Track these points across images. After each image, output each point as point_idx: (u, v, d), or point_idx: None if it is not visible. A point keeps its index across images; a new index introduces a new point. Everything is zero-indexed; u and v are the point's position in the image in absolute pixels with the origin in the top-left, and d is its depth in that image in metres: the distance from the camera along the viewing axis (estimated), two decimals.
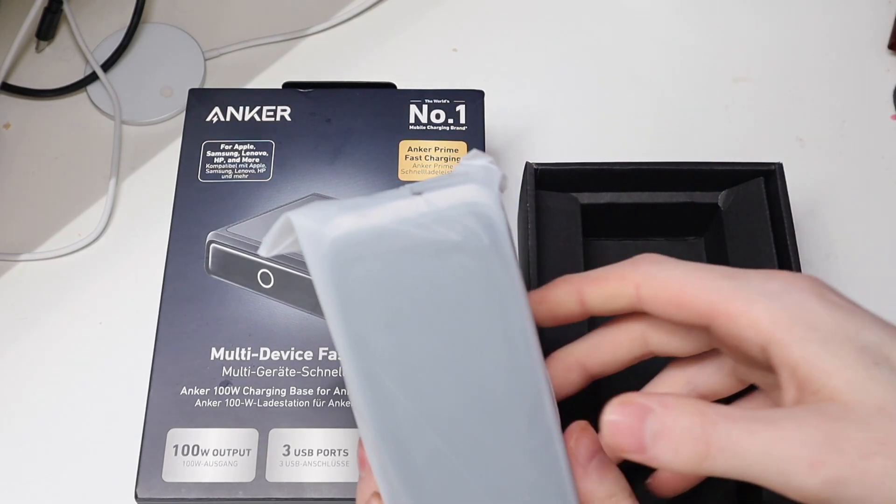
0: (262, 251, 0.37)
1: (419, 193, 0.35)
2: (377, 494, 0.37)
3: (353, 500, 0.49)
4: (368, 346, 0.35)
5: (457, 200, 0.35)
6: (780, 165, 0.56)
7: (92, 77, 0.68)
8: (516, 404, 0.36)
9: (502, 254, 0.35)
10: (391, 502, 0.36)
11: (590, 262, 0.57)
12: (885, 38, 0.71)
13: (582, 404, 0.44)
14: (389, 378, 0.35)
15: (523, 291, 0.36)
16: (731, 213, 0.57)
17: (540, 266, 0.54)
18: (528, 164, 0.56)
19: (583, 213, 0.58)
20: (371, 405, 0.35)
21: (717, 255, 0.58)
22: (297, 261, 0.54)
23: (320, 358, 0.52)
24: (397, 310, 0.35)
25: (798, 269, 0.53)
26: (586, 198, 0.58)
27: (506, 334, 0.36)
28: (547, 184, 0.57)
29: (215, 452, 0.50)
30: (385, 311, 0.35)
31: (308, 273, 0.35)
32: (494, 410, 0.36)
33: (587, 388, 0.44)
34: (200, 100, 0.59)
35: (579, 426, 0.39)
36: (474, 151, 0.38)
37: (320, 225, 0.35)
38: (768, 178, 0.57)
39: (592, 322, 0.44)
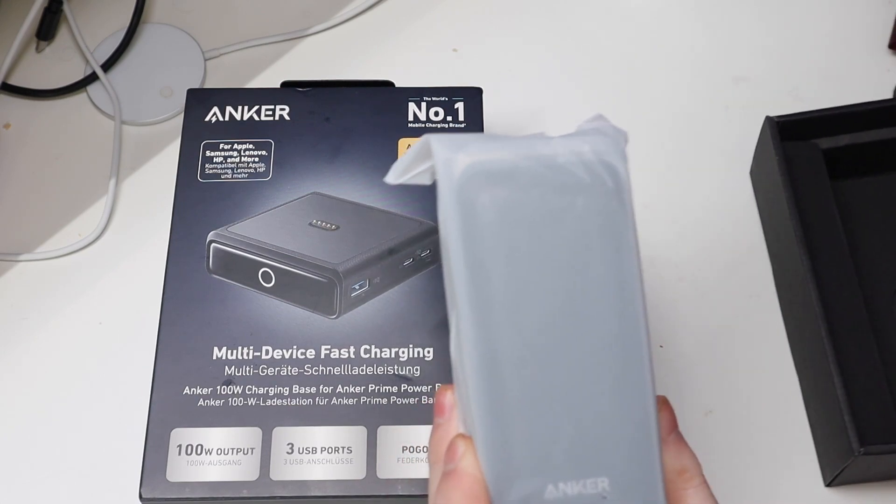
0: (390, 178, 0.39)
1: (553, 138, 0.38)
2: (462, 436, 0.38)
3: (357, 497, 0.49)
4: (485, 274, 0.36)
5: (587, 147, 0.38)
6: None
7: (92, 77, 0.68)
8: (620, 347, 0.37)
9: (623, 201, 0.37)
10: (487, 436, 0.36)
11: (841, 205, 0.59)
12: (885, 38, 0.71)
13: None
14: (501, 306, 0.36)
15: (636, 242, 0.38)
16: None
17: (800, 211, 0.56)
18: (768, 118, 0.58)
19: (825, 158, 0.59)
20: (480, 332, 0.36)
21: None
22: (297, 259, 0.54)
23: (322, 356, 0.52)
24: (518, 241, 0.37)
25: None
26: (826, 143, 0.59)
27: (618, 279, 0.37)
28: (786, 135, 0.58)
29: (219, 452, 0.50)
30: (505, 241, 0.36)
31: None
32: (599, 351, 0.37)
33: None
34: (199, 100, 0.59)
35: (661, 400, 0.39)
36: (597, 114, 0.40)
37: (456, 151, 0.37)
38: None
39: None
